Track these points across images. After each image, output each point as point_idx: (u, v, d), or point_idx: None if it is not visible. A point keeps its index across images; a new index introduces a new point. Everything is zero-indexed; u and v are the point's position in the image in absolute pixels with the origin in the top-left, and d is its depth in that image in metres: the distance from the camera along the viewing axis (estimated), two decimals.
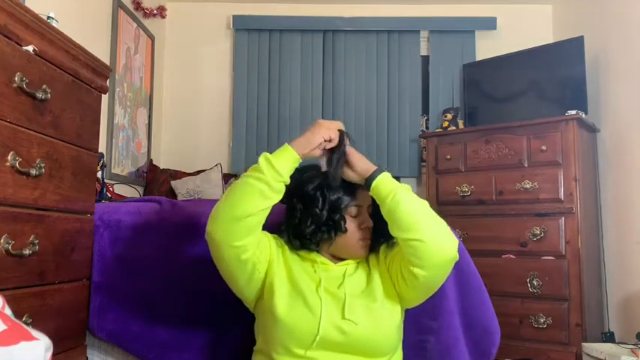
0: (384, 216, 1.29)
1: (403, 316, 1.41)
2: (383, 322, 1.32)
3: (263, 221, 1.28)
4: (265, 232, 1.37)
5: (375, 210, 1.34)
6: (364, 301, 1.32)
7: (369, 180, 1.30)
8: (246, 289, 1.36)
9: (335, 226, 1.32)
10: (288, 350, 1.29)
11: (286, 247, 1.41)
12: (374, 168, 1.31)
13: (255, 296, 1.38)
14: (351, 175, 1.33)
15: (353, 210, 1.34)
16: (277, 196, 1.26)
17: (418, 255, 1.22)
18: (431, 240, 1.22)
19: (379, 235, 1.37)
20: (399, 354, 1.40)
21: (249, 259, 1.28)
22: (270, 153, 1.28)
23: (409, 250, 1.23)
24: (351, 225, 1.34)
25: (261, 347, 1.38)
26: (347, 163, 1.32)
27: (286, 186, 1.29)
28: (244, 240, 1.26)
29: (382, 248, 1.42)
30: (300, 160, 1.28)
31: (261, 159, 1.26)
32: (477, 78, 3.73)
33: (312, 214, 1.33)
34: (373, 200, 1.32)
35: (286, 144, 1.28)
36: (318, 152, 1.29)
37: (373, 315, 1.31)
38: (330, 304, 1.30)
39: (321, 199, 1.32)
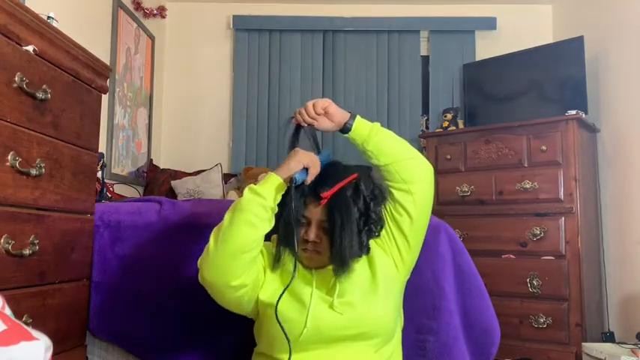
0: (371, 152, 1.37)
1: (402, 295, 1.42)
2: (377, 305, 1.33)
3: (257, 254, 1.29)
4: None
5: (330, 225, 1.30)
6: (360, 286, 1.33)
7: (347, 125, 1.37)
8: (250, 313, 1.40)
9: (287, 233, 1.31)
10: (287, 346, 1.30)
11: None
12: (348, 114, 1.38)
13: (254, 310, 1.39)
14: (329, 126, 1.38)
15: (301, 220, 1.33)
16: (266, 225, 1.26)
17: (410, 171, 1.36)
18: (417, 155, 1.40)
19: (335, 250, 1.30)
20: (397, 340, 1.41)
21: (247, 293, 1.31)
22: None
23: (402, 169, 1.36)
24: (300, 234, 1.33)
25: (263, 350, 1.38)
26: (326, 114, 1.37)
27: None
28: (242, 278, 1.27)
29: (384, 232, 1.40)
30: (284, 185, 1.29)
31: (246, 190, 1.28)
32: (476, 78, 3.73)
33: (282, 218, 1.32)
34: (329, 216, 1.30)
35: (270, 172, 1.32)
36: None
37: (368, 298, 1.33)
38: (319, 294, 1.32)
39: (285, 206, 1.31)
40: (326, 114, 1.37)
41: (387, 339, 1.36)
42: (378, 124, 1.39)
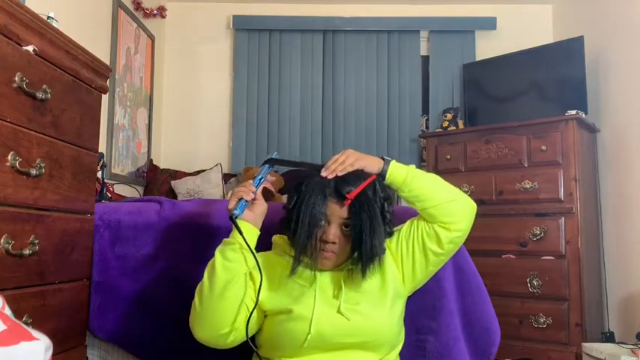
0: (409, 197, 1.35)
1: (404, 307, 1.40)
2: (383, 314, 1.31)
3: (240, 295, 1.27)
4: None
5: (353, 226, 1.28)
6: (367, 293, 1.31)
7: (383, 171, 1.35)
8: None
9: (308, 233, 1.28)
10: (292, 352, 1.29)
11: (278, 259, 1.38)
12: (381, 162, 1.35)
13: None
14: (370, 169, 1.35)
15: (320, 221, 1.29)
16: (235, 265, 1.25)
17: (453, 212, 1.34)
18: (458, 196, 1.36)
19: (354, 250, 1.30)
20: (397, 352, 1.40)
21: (237, 335, 1.31)
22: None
23: (444, 211, 1.33)
24: (318, 235, 1.29)
25: (264, 354, 1.37)
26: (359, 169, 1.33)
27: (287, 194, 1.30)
28: (230, 323, 1.28)
29: (396, 238, 1.39)
30: (237, 216, 1.27)
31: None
32: (476, 78, 3.73)
33: (297, 219, 1.29)
34: (353, 217, 1.27)
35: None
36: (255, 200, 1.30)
37: (375, 305, 1.31)
38: (324, 297, 1.30)
39: (303, 208, 1.28)
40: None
41: (389, 350, 1.34)
42: (413, 167, 1.37)
